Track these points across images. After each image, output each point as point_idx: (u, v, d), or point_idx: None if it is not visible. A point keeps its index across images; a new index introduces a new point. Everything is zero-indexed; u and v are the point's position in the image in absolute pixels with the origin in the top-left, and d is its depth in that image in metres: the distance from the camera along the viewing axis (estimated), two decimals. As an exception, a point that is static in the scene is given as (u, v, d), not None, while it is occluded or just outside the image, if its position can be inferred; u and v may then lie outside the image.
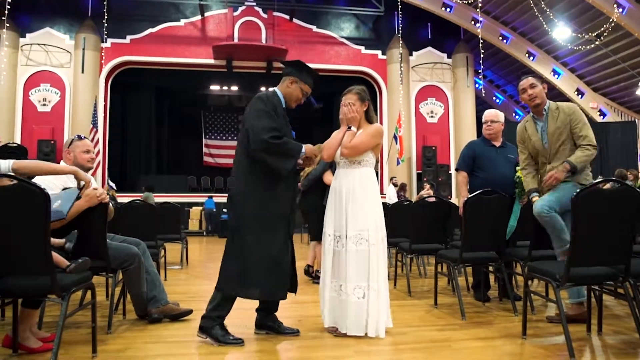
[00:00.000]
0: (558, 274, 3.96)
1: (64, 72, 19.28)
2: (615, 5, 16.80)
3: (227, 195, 4.60)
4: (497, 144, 6.31)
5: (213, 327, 4.26)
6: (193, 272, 9.04)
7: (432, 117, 21.34)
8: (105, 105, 19.77)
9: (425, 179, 18.98)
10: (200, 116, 26.42)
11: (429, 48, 21.54)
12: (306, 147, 4.45)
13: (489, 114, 6.45)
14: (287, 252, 4.47)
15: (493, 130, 6.32)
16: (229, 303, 4.35)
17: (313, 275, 7.85)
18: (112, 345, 4.19)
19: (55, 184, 4.35)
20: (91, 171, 5.10)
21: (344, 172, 4.75)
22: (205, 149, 26.13)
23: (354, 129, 4.75)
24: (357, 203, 4.58)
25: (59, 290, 3.44)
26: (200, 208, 19.70)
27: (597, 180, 3.96)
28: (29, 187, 3.31)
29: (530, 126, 5.22)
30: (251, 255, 4.27)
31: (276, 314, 4.72)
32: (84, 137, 4.94)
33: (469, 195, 5.65)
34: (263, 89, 22.49)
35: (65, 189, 4.32)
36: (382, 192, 17.15)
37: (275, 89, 4.69)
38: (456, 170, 6.50)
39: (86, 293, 5.31)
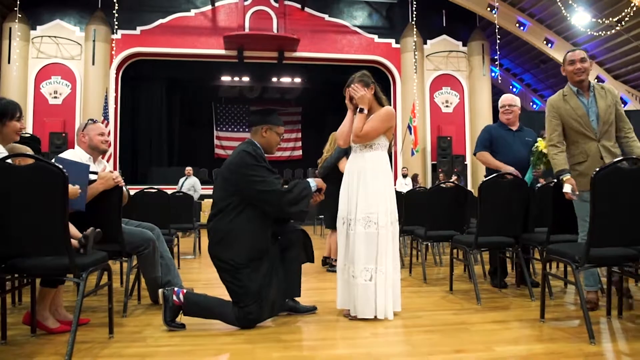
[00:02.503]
0: (577, 256, 3.85)
1: (75, 65, 19.12)
2: (637, -11, 16.35)
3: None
4: (514, 128, 6.29)
5: (176, 310, 4.21)
6: (206, 262, 8.89)
7: (447, 106, 20.96)
8: (116, 97, 19.58)
9: (440, 170, 18.81)
10: (211, 107, 26.33)
11: (444, 36, 21.14)
12: (316, 181, 4.54)
13: (505, 98, 6.43)
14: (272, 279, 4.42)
15: (512, 115, 6.31)
16: None
17: (330, 264, 7.80)
18: (128, 328, 4.32)
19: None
20: (107, 154, 5.13)
21: (356, 156, 4.74)
22: (216, 141, 26.02)
23: (365, 111, 4.67)
24: (367, 186, 4.57)
25: (77, 269, 3.51)
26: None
27: (617, 159, 3.78)
28: (48, 167, 3.38)
29: (572, 100, 4.89)
30: (258, 290, 4.27)
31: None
32: (96, 121, 4.97)
33: (486, 178, 5.55)
34: (275, 79, 22.83)
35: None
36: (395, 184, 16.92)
37: (252, 140, 4.58)
38: (474, 154, 6.45)
39: (102, 277, 5.88)
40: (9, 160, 3.40)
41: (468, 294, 5.65)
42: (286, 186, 4.34)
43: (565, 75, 5.00)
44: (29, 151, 4.43)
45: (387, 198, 4.58)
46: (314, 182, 4.47)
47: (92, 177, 4.36)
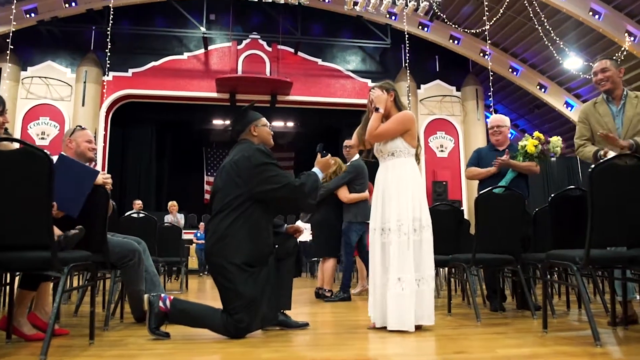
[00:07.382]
0: (578, 257, 3.67)
1: (64, 106, 19.01)
2: (626, 34, 16.59)
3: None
4: (501, 148, 6.22)
5: (161, 317, 3.93)
6: (194, 295, 8.84)
7: (442, 151, 20.93)
8: (105, 139, 19.40)
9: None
10: (202, 152, 26.24)
11: (437, 81, 21.28)
12: (320, 169, 4.52)
13: (494, 119, 6.44)
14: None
15: (501, 135, 6.30)
16: None
17: (323, 295, 7.56)
18: (109, 338, 4.08)
19: None
20: (93, 162, 4.93)
21: (382, 166, 4.67)
22: (206, 186, 25.88)
23: (381, 110, 4.57)
24: (386, 196, 4.50)
25: (59, 264, 3.30)
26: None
27: (614, 155, 3.69)
28: (34, 152, 3.20)
29: (602, 107, 5.00)
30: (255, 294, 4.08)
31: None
32: (85, 128, 4.76)
33: (481, 192, 5.50)
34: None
35: None
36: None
37: (250, 143, 4.42)
38: (466, 173, 6.53)
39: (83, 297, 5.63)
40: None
41: (467, 316, 5.48)
42: (298, 179, 4.26)
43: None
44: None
45: (407, 205, 4.41)
46: (319, 171, 4.46)
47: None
